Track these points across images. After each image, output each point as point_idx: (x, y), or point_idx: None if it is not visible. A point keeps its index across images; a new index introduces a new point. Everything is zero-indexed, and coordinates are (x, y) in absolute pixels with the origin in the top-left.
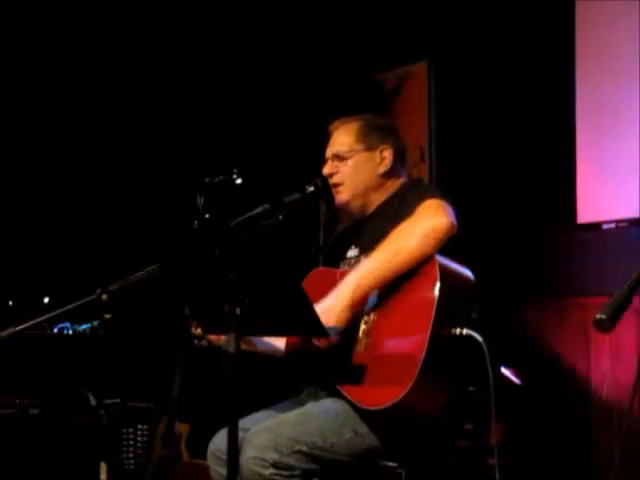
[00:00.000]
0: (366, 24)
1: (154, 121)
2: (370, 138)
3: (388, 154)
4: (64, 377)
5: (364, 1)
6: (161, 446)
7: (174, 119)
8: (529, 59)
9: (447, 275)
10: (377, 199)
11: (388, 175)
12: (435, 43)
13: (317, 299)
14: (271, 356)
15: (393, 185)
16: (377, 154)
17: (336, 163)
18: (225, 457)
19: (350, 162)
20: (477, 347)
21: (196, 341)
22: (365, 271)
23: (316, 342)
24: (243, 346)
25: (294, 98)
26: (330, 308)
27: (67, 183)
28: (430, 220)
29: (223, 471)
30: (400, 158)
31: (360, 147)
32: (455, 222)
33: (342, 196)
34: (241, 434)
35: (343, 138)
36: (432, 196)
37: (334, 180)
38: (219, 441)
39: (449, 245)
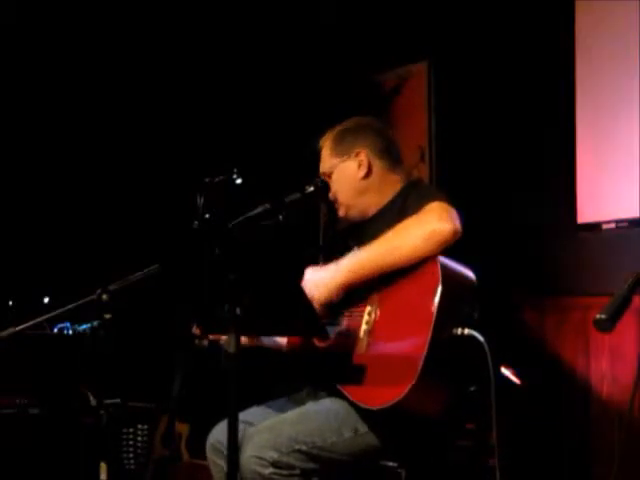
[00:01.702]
0: (366, 24)
1: (154, 121)
2: (341, 147)
3: (364, 155)
4: (64, 377)
5: (364, 1)
6: (161, 446)
7: (174, 119)
8: (529, 59)
9: (449, 275)
10: (374, 201)
11: (373, 174)
12: (435, 43)
13: None
14: (273, 349)
15: (391, 184)
16: (352, 160)
17: (329, 180)
18: (224, 449)
19: (334, 177)
20: (479, 347)
21: (197, 341)
22: (362, 258)
23: (316, 342)
24: (245, 340)
25: (294, 98)
26: (320, 282)
27: (67, 183)
28: (434, 223)
29: (222, 463)
30: (381, 153)
31: (336, 161)
32: (460, 228)
33: (339, 212)
34: (241, 426)
35: (325, 155)
36: (439, 199)
37: (331, 197)
38: (218, 433)
39: (450, 245)
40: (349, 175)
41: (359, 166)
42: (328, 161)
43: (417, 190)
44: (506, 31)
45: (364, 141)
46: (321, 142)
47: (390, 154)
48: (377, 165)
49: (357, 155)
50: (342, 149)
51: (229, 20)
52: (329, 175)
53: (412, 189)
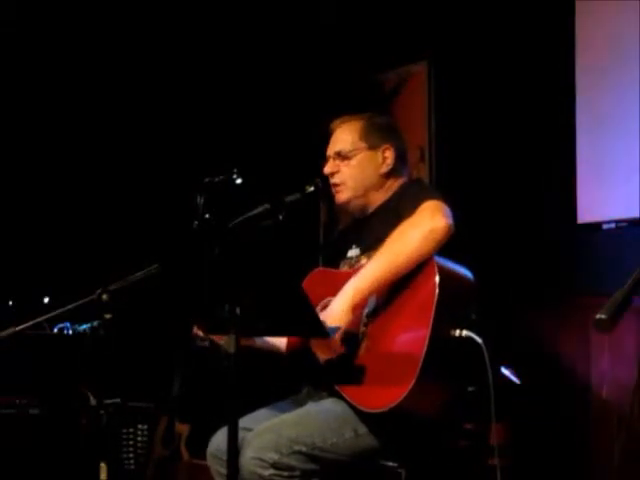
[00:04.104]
0: (366, 24)
1: (154, 121)
2: (373, 137)
3: (390, 154)
4: (64, 377)
5: (364, 1)
6: (161, 446)
7: (174, 119)
8: (529, 59)
9: (446, 277)
10: (378, 199)
11: (389, 175)
12: (435, 43)
13: (317, 299)
14: (272, 352)
15: (394, 185)
16: (379, 154)
17: (338, 162)
18: (225, 457)
19: (353, 161)
20: (477, 349)
21: (198, 341)
22: (365, 275)
23: (322, 356)
24: (244, 342)
25: (294, 98)
26: (335, 315)
27: (67, 183)
28: (428, 222)
29: (224, 471)
30: (401, 157)
31: (363, 146)
32: (452, 223)
33: (342, 195)
34: (241, 433)
35: (346, 136)
36: (430, 197)
37: (335, 180)
38: (219, 441)
39: (449, 245)
40: (372, 166)
41: (383, 161)
42: (351, 142)
43: (411, 190)
44: (506, 31)
45: (394, 140)
46: (337, 123)
47: (405, 159)
48: (395, 167)
49: (384, 151)
50: (373, 138)
51: (229, 20)
52: (346, 156)
53: (407, 189)
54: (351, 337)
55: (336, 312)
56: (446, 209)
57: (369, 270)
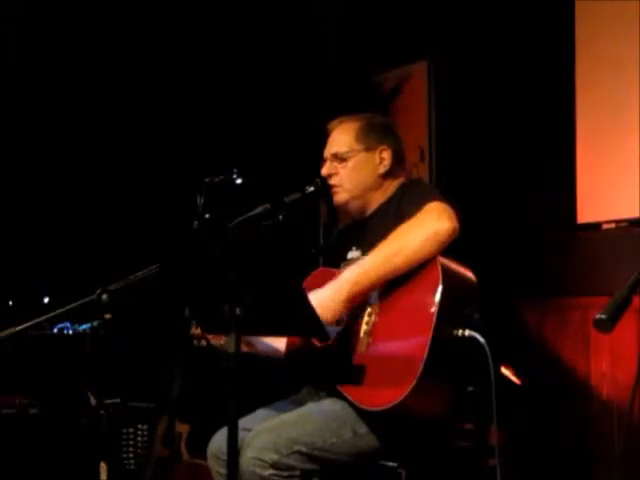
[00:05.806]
0: (366, 24)
1: (154, 121)
2: (369, 138)
3: (387, 155)
4: (64, 377)
5: (364, 1)
6: (161, 446)
7: (174, 119)
8: (529, 59)
9: (449, 276)
10: (376, 200)
11: (387, 176)
12: (435, 43)
13: None
14: (271, 357)
15: (392, 185)
16: (376, 155)
17: (335, 163)
18: (225, 457)
19: (350, 163)
20: (479, 348)
21: (196, 341)
22: (365, 268)
23: (315, 343)
24: (243, 348)
25: (294, 98)
26: (327, 301)
27: (67, 183)
28: (434, 223)
29: (224, 471)
30: (399, 158)
31: (359, 147)
32: (458, 226)
33: (341, 197)
34: (241, 434)
35: (342, 137)
36: (435, 198)
37: (333, 181)
38: (219, 441)
39: (450, 245)
40: (369, 167)
41: (380, 162)
42: (347, 144)
43: (413, 189)
44: (506, 31)
45: (391, 141)
46: (334, 123)
47: (404, 160)
48: (392, 167)
49: (381, 152)
50: (369, 140)
51: (229, 20)
52: (343, 158)
53: (408, 189)
54: (353, 334)
55: (332, 302)
56: (451, 211)
57: (369, 264)
